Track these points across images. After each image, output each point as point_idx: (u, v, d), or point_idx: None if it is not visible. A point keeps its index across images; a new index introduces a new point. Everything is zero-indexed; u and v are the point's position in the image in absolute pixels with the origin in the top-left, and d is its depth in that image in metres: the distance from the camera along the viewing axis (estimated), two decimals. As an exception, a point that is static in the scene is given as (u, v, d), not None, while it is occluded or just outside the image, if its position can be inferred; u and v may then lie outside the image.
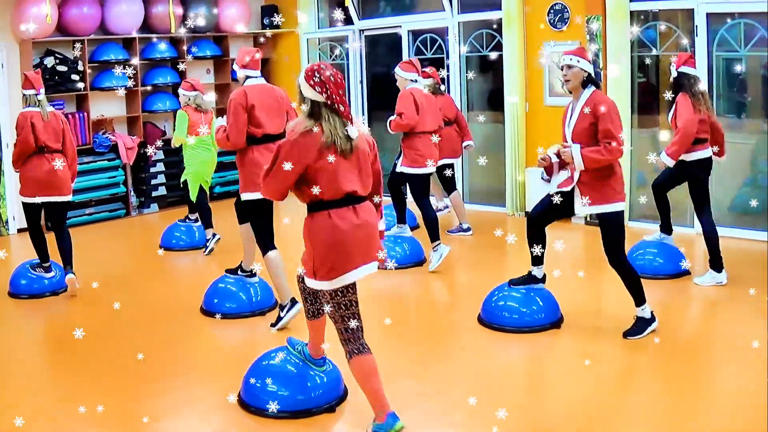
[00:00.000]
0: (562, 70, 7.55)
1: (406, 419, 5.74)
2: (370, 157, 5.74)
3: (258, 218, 8.16)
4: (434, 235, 10.27)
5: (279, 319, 8.16)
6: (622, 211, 7.57)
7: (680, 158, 9.00)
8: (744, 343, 7.24)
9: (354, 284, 5.79)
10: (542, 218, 7.99)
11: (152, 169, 14.78)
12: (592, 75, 7.49)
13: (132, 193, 14.56)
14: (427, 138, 10.28)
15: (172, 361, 7.41)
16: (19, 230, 13.08)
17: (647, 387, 6.66)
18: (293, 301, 8.08)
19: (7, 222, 13.10)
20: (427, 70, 11.63)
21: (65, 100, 13.75)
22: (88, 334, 8.17)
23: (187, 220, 12.20)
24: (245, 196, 8.09)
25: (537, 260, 8.11)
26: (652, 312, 7.71)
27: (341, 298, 5.74)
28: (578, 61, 7.44)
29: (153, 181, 14.85)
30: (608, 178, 7.44)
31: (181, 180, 11.67)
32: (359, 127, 5.66)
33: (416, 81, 10.45)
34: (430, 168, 10.26)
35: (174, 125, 11.58)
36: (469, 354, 7.52)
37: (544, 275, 8.14)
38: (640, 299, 7.67)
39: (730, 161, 10.05)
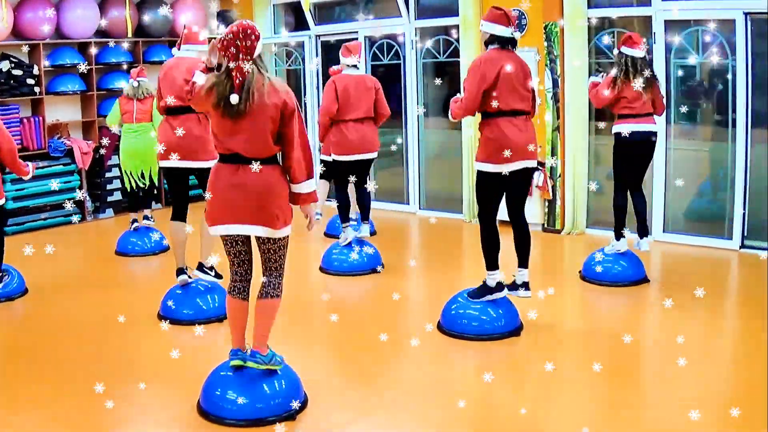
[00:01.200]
0: None
1: (365, 427, 5.70)
2: (276, 121, 5.89)
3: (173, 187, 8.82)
4: (344, 218, 10.73)
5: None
6: (487, 173, 7.85)
7: (624, 133, 9.35)
8: (705, 349, 7.32)
9: (240, 239, 6.18)
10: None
11: (107, 174, 14.63)
12: (500, 36, 7.69)
13: (87, 197, 14.44)
14: (346, 126, 10.33)
15: (129, 369, 7.28)
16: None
17: (607, 395, 6.67)
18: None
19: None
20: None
21: (20, 104, 13.62)
22: (41, 341, 8.17)
23: (144, 220, 12.23)
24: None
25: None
26: (500, 283, 8.09)
27: (227, 246, 6.24)
28: (482, 24, 7.81)
29: (108, 186, 14.69)
30: (484, 141, 7.82)
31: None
32: (263, 88, 5.82)
33: (355, 66, 10.45)
34: (343, 157, 10.40)
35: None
36: (427, 362, 7.48)
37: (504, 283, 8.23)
38: (488, 265, 8.11)
39: (686, 168, 10.15)
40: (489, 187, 7.94)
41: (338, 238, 11.26)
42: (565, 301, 9.15)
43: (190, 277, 8.74)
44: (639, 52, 9.22)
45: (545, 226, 12.51)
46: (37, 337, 8.37)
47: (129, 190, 12.09)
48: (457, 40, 13.22)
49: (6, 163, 9.17)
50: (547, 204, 12.47)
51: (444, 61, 13.80)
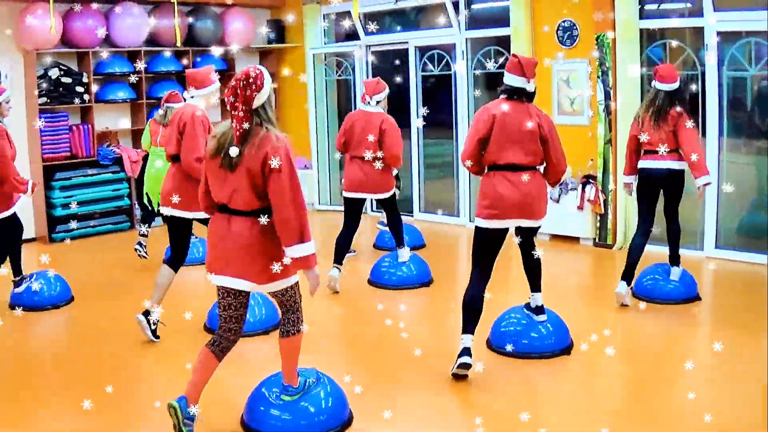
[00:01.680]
0: None
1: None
2: (257, 175, 5.56)
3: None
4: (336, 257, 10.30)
5: None
6: (478, 228, 7.44)
7: (660, 168, 9.08)
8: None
9: (227, 290, 5.92)
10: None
11: (156, 183, 14.61)
12: (510, 85, 7.33)
13: (136, 206, 14.44)
14: (353, 162, 10.30)
15: (172, 380, 7.13)
16: (25, 240, 13.03)
17: (660, 417, 6.52)
18: None
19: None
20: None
21: (69, 111, 13.65)
22: (84, 349, 8.13)
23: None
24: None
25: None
26: (466, 350, 7.27)
27: (218, 296, 6.00)
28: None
29: (157, 194, 14.67)
30: (479, 194, 7.52)
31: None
32: (256, 140, 5.57)
33: (368, 103, 10.28)
34: (346, 193, 10.36)
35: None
36: (476, 380, 7.33)
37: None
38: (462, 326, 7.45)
39: (737, 182, 9.99)
40: (479, 243, 7.48)
41: (388, 250, 11.25)
42: (616, 318, 8.97)
43: (149, 322, 8.46)
44: (664, 86, 8.97)
45: (596, 240, 12.36)
46: (80, 346, 8.36)
47: (144, 204, 12.02)
48: (509, 51, 13.06)
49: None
50: (598, 218, 12.31)
51: (495, 72, 13.67)
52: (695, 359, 7.67)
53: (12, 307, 9.49)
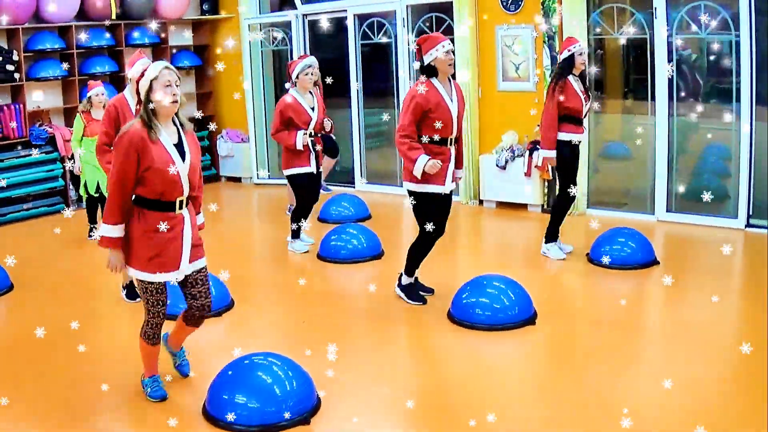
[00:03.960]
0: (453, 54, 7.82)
1: (377, 425, 5.41)
2: None
3: None
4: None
5: None
6: None
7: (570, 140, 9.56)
8: (723, 338, 7.08)
9: None
10: None
11: (91, 162, 14.21)
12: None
13: (71, 186, 14.05)
14: None
15: (125, 370, 6.78)
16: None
17: (636, 383, 6.37)
18: None
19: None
20: None
21: (-1, 91, 13.25)
22: (30, 341, 7.69)
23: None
24: None
25: None
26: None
27: None
28: None
29: (92, 174, 14.27)
30: None
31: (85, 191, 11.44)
32: None
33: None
34: None
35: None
36: (440, 354, 7.16)
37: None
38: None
39: (686, 147, 9.97)
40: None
41: (335, 223, 11.05)
42: (576, 286, 8.87)
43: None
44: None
45: (545, 207, 12.24)
46: (25, 337, 7.93)
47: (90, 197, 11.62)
48: (451, 18, 12.87)
49: None
50: (546, 184, 12.19)
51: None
52: (658, 323, 7.62)
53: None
